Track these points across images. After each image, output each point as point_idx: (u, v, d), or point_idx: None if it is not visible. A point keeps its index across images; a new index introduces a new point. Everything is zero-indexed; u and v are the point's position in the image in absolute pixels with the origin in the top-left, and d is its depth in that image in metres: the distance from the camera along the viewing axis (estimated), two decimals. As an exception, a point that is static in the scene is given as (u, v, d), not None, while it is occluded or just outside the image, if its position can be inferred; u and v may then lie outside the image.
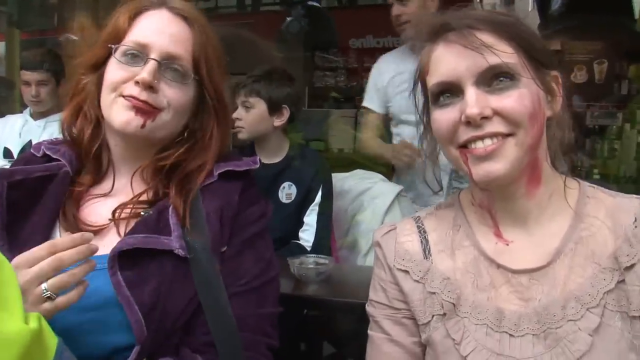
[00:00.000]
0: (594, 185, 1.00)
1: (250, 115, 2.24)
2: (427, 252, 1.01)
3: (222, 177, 1.11)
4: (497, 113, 0.89)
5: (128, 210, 1.07)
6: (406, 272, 1.01)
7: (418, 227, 1.04)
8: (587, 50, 5.11)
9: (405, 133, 2.50)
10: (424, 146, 1.03)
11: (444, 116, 0.92)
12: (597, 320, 0.88)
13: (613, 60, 5.39)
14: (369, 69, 2.73)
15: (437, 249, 1.01)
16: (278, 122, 2.26)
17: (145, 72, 1.04)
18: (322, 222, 2.24)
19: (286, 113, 2.26)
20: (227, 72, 1.19)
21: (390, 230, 1.05)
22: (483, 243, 0.98)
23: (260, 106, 2.24)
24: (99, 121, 1.12)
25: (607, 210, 0.95)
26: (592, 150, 5.02)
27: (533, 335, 0.91)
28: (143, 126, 1.06)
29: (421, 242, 1.02)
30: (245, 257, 1.09)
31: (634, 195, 0.97)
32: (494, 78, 0.90)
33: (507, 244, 0.96)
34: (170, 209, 1.06)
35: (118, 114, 1.05)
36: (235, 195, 1.10)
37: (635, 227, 0.91)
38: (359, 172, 2.59)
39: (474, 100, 0.89)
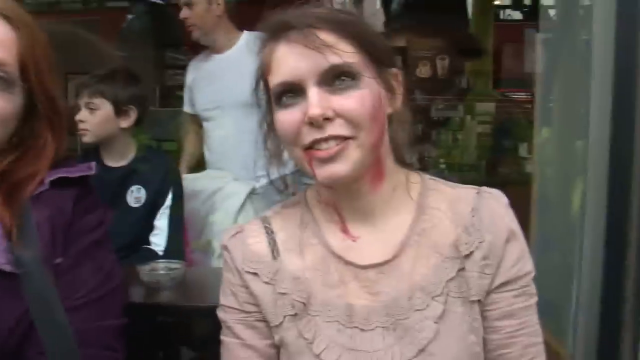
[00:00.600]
0: (435, 177, 1.04)
1: (96, 117, 2.14)
2: (275, 253, 1.00)
3: (55, 185, 1.03)
4: (338, 114, 0.89)
5: None
6: (255, 274, 0.99)
7: (265, 227, 1.03)
8: (430, 47, 5.36)
9: (209, 128, 2.67)
10: (268, 145, 1.01)
11: (287, 117, 0.91)
12: (441, 307, 0.92)
13: (453, 56, 5.71)
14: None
15: (285, 248, 1.00)
16: (125, 123, 2.17)
17: None
18: (174, 225, 2.19)
19: (133, 114, 2.17)
20: (59, 74, 1.10)
21: (237, 233, 1.03)
22: (331, 240, 0.98)
23: (105, 107, 2.14)
24: None
25: (447, 202, 0.98)
26: (437, 140, 5.30)
27: (383, 328, 0.93)
28: None
29: (269, 242, 1.01)
30: (83, 268, 1.02)
31: (471, 186, 1.01)
32: (335, 78, 0.90)
33: (354, 240, 0.98)
34: None
35: None
36: (69, 203, 1.03)
37: (473, 216, 0.96)
38: (210, 172, 2.56)
39: (316, 100, 0.88)
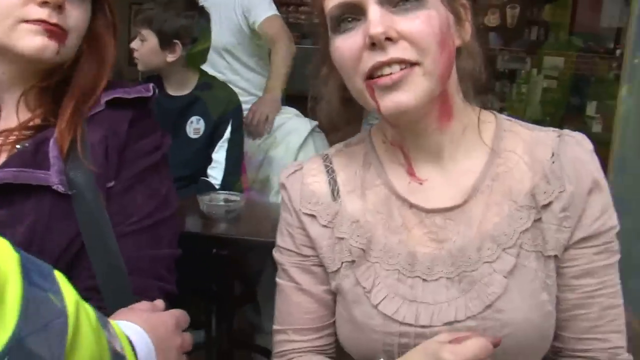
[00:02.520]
0: (511, 118, 0.94)
1: (143, 47, 2.08)
2: (335, 194, 0.94)
3: (111, 106, 0.99)
4: (403, 36, 0.80)
5: (13, 139, 0.95)
6: (313, 216, 0.93)
7: (326, 166, 0.96)
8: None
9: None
10: (329, 87, 0.93)
11: (346, 43, 0.82)
12: (512, 261, 0.84)
13: (524, 6, 5.49)
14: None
15: (345, 189, 0.94)
16: (171, 57, 2.09)
17: None
18: (232, 158, 2.15)
19: (178, 49, 2.08)
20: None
21: (296, 171, 0.97)
22: (395, 182, 0.91)
23: (151, 39, 2.07)
24: None
25: (524, 145, 0.90)
26: (501, 93, 5.14)
27: (447, 279, 0.86)
28: (58, 52, 0.93)
29: (329, 182, 0.95)
30: (136, 193, 0.98)
31: (551, 128, 0.92)
32: None
33: (421, 183, 0.90)
34: (52, 140, 0.94)
35: (27, 41, 0.92)
36: (123, 125, 0.98)
37: (553, 162, 0.87)
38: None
39: (377, 18, 0.79)
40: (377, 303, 0.87)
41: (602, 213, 0.86)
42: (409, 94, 0.81)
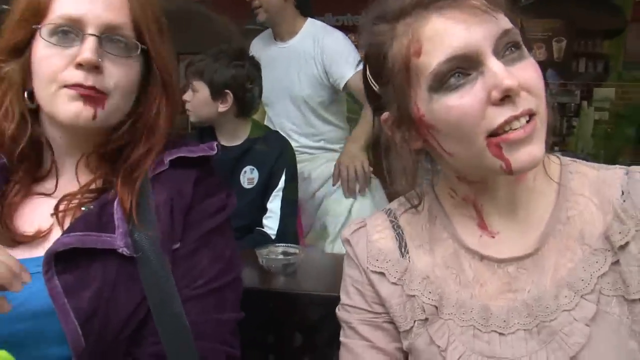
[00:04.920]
0: (575, 159, 0.91)
1: (195, 98, 2.08)
2: (403, 250, 0.91)
3: (175, 165, 0.97)
4: (522, 86, 0.75)
5: (76, 203, 0.94)
6: (382, 274, 0.90)
7: (391, 221, 0.93)
8: (545, 29, 5.11)
9: (269, 114, 2.56)
10: (404, 158, 0.87)
11: (465, 100, 0.77)
12: (593, 307, 0.79)
13: (571, 38, 5.42)
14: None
15: (413, 244, 0.91)
16: (223, 107, 2.08)
17: (86, 51, 0.88)
18: (287, 208, 2.11)
19: (230, 99, 2.07)
20: (172, 40, 1.04)
21: (360, 227, 0.94)
22: (464, 235, 0.88)
23: (203, 90, 2.07)
24: (23, 117, 0.96)
25: (592, 185, 0.86)
26: (552, 128, 5.05)
27: (525, 330, 0.81)
28: (95, 117, 0.91)
29: (396, 238, 0.92)
30: (202, 256, 0.96)
31: (617, 166, 0.88)
32: (503, 47, 0.77)
33: (493, 236, 0.86)
34: (116, 202, 0.92)
35: (64, 107, 0.90)
36: (188, 185, 0.96)
37: (624, 201, 0.82)
38: (326, 155, 2.48)
39: (503, 70, 0.74)
40: None
41: None
42: (539, 146, 0.77)
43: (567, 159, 0.90)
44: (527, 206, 0.86)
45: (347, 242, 0.95)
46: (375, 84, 0.86)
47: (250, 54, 2.21)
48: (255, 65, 2.17)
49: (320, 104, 2.47)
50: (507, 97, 0.74)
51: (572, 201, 0.86)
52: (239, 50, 2.17)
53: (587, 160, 0.91)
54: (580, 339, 0.78)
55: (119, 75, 0.93)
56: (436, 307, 0.86)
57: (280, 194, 2.11)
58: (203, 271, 0.95)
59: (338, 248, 2.23)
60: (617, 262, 0.80)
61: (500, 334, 0.82)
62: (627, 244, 0.80)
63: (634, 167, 0.86)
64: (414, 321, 0.87)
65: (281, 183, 2.11)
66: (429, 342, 0.86)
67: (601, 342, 0.78)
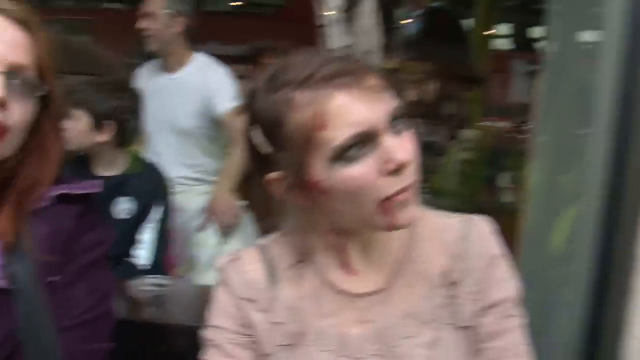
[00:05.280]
0: (422, 207, 1.03)
1: (74, 127, 2.06)
2: (272, 281, 0.99)
3: (57, 201, 1.00)
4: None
5: None
6: (251, 301, 0.98)
7: (263, 254, 1.02)
8: (421, 71, 5.42)
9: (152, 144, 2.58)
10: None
11: (360, 171, 0.85)
12: (432, 335, 0.94)
13: (442, 81, 5.76)
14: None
15: (281, 277, 0.99)
16: (101, 138, 2.08)
17: None
18: (159, 240, 2.14)
19: (109, 129, 2.09)
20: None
21: (233, 259, 1.02)
22: (328, 272, 0.99)
23: (83, 119, 2.06)
24: None
25: (435, 230, 1.00)
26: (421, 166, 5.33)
27: (376, 355, 0.94)
28: None
29: (266, 270, 1.00)
30: (78, 288, 0.99)
31: (455, 214, 1.03)
32: (393, 121, 0.87)
33: (356, 275, 0.98)
34: None
35: None
36: (70, 220, 0.99)
37: (460, 244, 0.98)
38: (202, 188, 2.53)
39: (397, 145, 0.85)
40: None
41: (504, 283, 0.99)
42: (416, 207, 0.90)
43: None
44: (381, 249, 0.98)
45: (220, 270, 1.01)
46: (266, 146, 0.91)
47: (132, 85, 2.23)
48: (137, 97, 2.20)
49: (202, 135, 2.53)
50: (398, 168, 0.84)
51: (418, 243, 0.99)
52: (120, 81, 2.19)
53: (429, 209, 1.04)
54: None
55: (20, 112, 0.95)
56: (299, 335, 0.95)
57: (154, 225, 2.13)
58: (78, 303, 0.98)
59: (209, 280, 2.28)
60: (453, 296, 0.96)
61: (357, 358, 0.94)
62: (460, 280, 0.96)
63: (471, 216, 1.02)
64: (277, 346, 0.96)
65: (155, 215, 2.13)
66: None
67: None
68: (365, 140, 0.85)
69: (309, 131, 0.86)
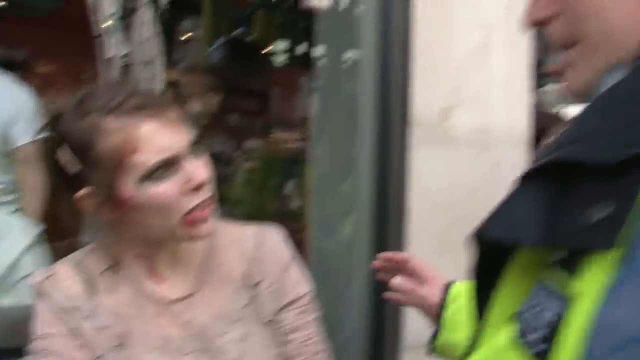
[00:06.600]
0: (218, 219, 1.17)
1: None
2: (91, 292, 1.06)
3: None
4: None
5: None
6: (75, 309, 1.04)
7: (77, 268, 1.08)
8: (201, 84, 5.44)
9: None
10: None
11: (165, 189, 1.00)
12: (242, 330, 1.09)
13: (225, 94, 5.84)
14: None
15: (100, 287, 1.07)
16: None
17: None
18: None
19: None
20: None
21: (49, 275, 1.07)
22: (142, 280, 1.09)
23: None
24: None
25: (233, 239, 1.16)
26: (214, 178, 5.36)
27: (197, 352, 1.06)
28: None
29: (84, 283, 1.07)
30: None
31: (249, 224, 1.19)
32: (191, 147, 1.03)
33: (164, 282, 1.10)
34: None
35: None
36: None
37: (256, 250, 1.15)
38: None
39: (198, 168, 1.01)
40: None
41: (297, 283, 1.17)
42: (212, 222, 1.06)
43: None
44: (186, 258, 1.12)
45: (37, 287, 1.06)
46: (75, 165, 1.01)
47: None
48: None
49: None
50: (198, 187, 0.99)
51: (219, 251, 1.14)
52: None
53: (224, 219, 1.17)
54: (235, 354, 1.08)
55: None
56: (125, 336, 1.04)
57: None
58: None
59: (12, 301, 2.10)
60: (254, 296, 1.13)
61: (181, 356, 1.06)
62: (259, 281, 1.13)
63: (263, 225, 1.18)
64: (107, 348, 1.03)
65: None
66: None
67: (251, 354, 1.08)
68: (170, 164, 0.99)
69: (121, 155, 0.98)
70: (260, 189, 5.49)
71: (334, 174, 2.27)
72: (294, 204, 5.01)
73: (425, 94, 1.81)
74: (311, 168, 2.49)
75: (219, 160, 5.69)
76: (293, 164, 5.50)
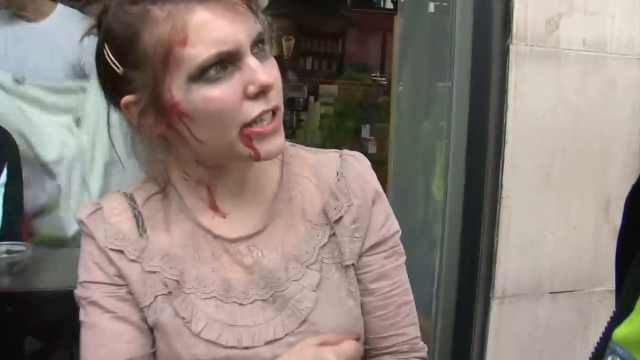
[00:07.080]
0: (294, 144, 1.01)
1: None
2: (141, 230, 0.92)
3: None
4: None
5: None
6: (120, 251, 0.90)
7: (128, 203, 0.94)
8: (274, 28, 5.38)
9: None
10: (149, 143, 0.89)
11: (224, 92, 0.80)
12: (317, 276, 0.91)
13: (299, 38, 5.79)
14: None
15: (150, 225, 0.92)
16: None
17: None
18: (10, 204, 1.96)
19: None
20: None
21: (96, 210, 0.93)
22: (198, 215, 0.93)
23: None
24: None
25: (310, 168, 0.97)
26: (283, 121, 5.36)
27: (262, 300, 0.90)
28: None
29: (133, 218, 0.93)
30: None
31: (332, 150, 1.00)
32: (255, 45, 0.82)
33: (224, 217, 0.93)
34: None
35: None
36: None
37: (338, 180, 0.95)
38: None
39: (260, 67, 0.80)
40: (199, 331, 0.87)
41: (386, 220, 0.97)
42: (282, 137, 0.84)
43: (287, 144, 0.97)
44: (254, 189, 0.93)
45: (82, 224, 0.93)
46: (119, 66, 0.84)
47: None
48: None
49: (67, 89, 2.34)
50: (261, 92, 0.80)
51: (294, 182, 0.95)
52: None
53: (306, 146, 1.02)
54: (309, 303, 0.89)
55: None
56: (178, 282, 0.89)
57: (2, 189, 1.94)
58: None
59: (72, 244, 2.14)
60: (334, 235, 0.92)
61: (240, 304, 0.89)
62: (341, 217, 0.93)
63: (346, 151, 0.98)
64: (155, 296, 0.89)
65: (2, 178, 1.95)
66: (173, 314, 0.88)
67: (326, 304, 0.90)
68: (227, 61, 0.80)
69: (167, 46, 0.79)
70: (336, 132, 5.44)
71: (418, 111, 2.18)
72: (372, 149, 4.94)
73: (529, 2, 1.63)
74: (393, 106, 2.40)
75: (294, 106, 5.67)
76: (370, 107, 5.41)
